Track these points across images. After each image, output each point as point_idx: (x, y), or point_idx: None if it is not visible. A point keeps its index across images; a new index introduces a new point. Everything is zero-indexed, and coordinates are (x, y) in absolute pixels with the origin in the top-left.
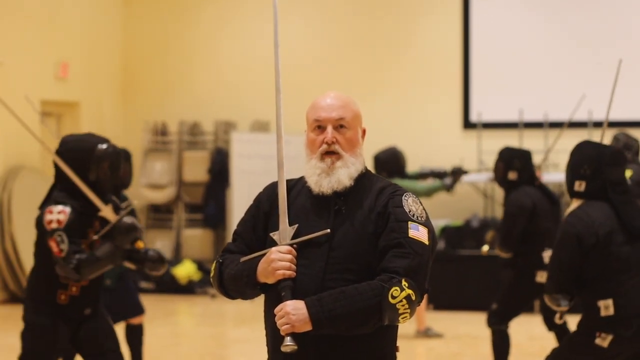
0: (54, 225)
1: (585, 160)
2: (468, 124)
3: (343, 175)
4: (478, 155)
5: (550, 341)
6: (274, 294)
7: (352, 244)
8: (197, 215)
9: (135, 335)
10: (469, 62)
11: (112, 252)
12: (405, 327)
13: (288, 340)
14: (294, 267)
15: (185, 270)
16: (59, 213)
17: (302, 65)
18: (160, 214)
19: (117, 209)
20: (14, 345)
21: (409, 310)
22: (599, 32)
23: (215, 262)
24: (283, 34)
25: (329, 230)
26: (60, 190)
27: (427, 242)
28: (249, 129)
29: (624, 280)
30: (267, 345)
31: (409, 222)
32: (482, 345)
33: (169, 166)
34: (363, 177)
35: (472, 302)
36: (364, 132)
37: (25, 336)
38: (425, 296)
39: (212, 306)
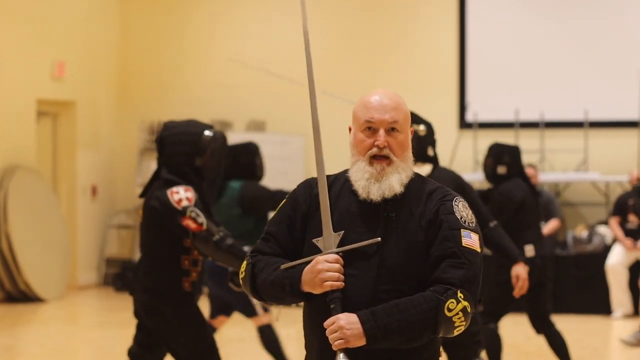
0: (185, 203)
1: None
2: (464, 124)
3: (394, 181)
4: (474, 155)
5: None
6: (318, 304)
7: (404, 254)
8: None
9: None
10: (465, 62)
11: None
12: None
13: (342, 357)
14: (342, 277)
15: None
16: (186, 191)
17: (298, 65)
18: None
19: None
20: (10, 344)
21: (464, 323)
22: (596, 32)
23: (245, 262)
24: (279, 34)
25: (379, 239)
26: (170, 173)
27: (479, 250)
28: (245, 128)
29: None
30: (310, 356)
31: (462, 230)
32: None
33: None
34: (413, 182)
35: None
36: (412, 133)
37: (183, 331)
38: None
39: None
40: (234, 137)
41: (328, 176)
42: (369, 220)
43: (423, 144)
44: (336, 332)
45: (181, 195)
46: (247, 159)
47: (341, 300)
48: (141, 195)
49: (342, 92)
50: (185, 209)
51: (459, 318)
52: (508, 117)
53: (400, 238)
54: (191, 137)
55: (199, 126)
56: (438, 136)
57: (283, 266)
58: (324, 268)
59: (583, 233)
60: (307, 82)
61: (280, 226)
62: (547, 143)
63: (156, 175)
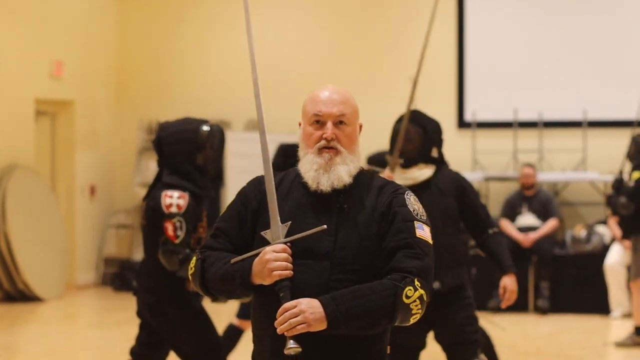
0: (174, 210)
1: (437, 129)
2: (462, 124)
3: (343, 172)
4: (472, 155)
5: (544, 340)
6: (267, 296)
7: (356, 245)
8: None
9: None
10: (464, 62)
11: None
12: None
13: (291, 343)
14: (290, 266)
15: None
16: (179, 198)
17: (295, 64)
18: None
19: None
20: (9, 344)
21: (420, 311)
22: (595, 32)
23: (194, 258)
24: (277, 33)
25: (325, 226)
26: (171, 174)
27: (431, 242)
28: (244, 128)
29: None
30: (260, 349)
31: (415, 222)
32: None
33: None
34: (361, 175)
35: None
36: (360, 127)
37: (186, 330)
38: None
39: (206, 305)
40: (232, 137)
41: (278, 173)
42: (321, 212)
43: (426, 145)
44: (297, 316)
45: (173, 200)
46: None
47: (290, 289)
48: (144, 199)
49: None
50: (172, 214)
51: (416, 305)
52: (506, 116)
53: (352, 229)
54: (189, 135)
55: (195, 122)
56: None
57: (233, 260)
58: (272, 258)
59: (582, 233)
60: (253, 85)
61: (230, 222)
62: (545, 143)
63: (158, 178)
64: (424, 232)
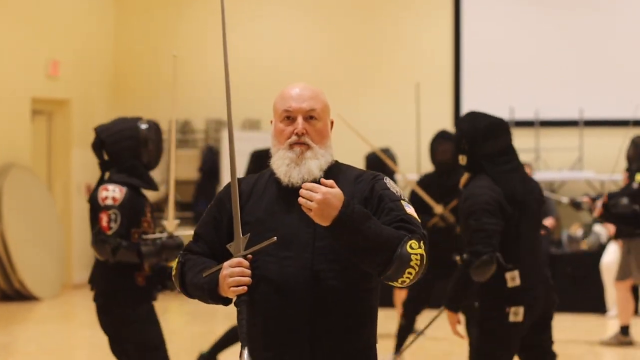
0: (109, 202)
1: (462, 134)
2: None
3: (313, 166)
4: None
5: None
6: (253, 293)
7: None
8: (187, 214)
9: None
10: (460, 60)
11: (154, 255)
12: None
13: (246, 357)
14: (245, 280)
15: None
16: (116, 191)
17: (290, 65)
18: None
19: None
20: (5, 343)
21: (417, 269)
22: (591, 31)
23: (177, 260)
24: (272, 35)
25: (275, 238)
26: (119, 172)
27: (419, 220)
28: (240, 127)
29: (520, 249)
30: (247, 347)
31: (402, 201)
32: None
33: (160, 164)
34: (333, 168)
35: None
36: (332, 123)
37: (135, 330)
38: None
39: (202, 305)
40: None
41: (252, 175)
42: (298, 205)
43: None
44: (317, 194)
45: (109, 193)
46: None
47: (247, 303)
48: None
49: (335, 90)
50: (107, 206)
51: (415, 259)
52: (503, 115)
53: None
54: (130, 132)
55: (131, 121)
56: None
57: (205, 274)
58: (227, 273)
59: (578, 232)
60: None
61: (207, 227)
62: (542, 142)
63: (99, 182)
64: (411, 210)
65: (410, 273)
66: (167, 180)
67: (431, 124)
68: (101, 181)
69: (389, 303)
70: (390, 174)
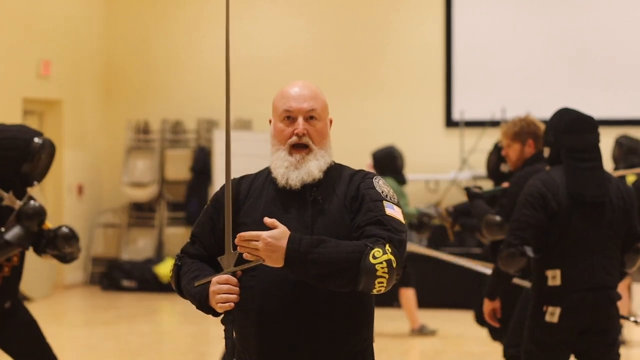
0: None
1: (549, 127)
2: (450, 122)
3: (313, 167)
4: (460, 154)
5: None
6: (248, 296)
7: (333, 235)
8: (179, 214)
9: None
10: (451, 60)
11: (21, 235)
12: (400, 327)
13: None
14: (232, 297)
15: (167, 269)
16: None
17: (283, 63)
18: (142, 212)
19: (21, 197)
20: None
21: (386, 276)
22: (582, 31)
23: (174, 263)
24: (265, 32)
25: (262, 260)
26: None
27: (403, 221)
28: (232, 127)
29: (575, 251)
30: (245, 347)
31: (384, 202)
32: (465, 343)
33: (151, 164)
34: (332, 169)
35: (455, 300)
36: (330, 122)
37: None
38: (415, 293)
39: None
40: (221, 136)
41: (249, 175)
42: (296, 205)
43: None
44: (258, 242)
45: None
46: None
47: (232, 322)
48: None
49: (327, 89)
50: None
51: (382, 268)
52: (495, 115)
53: (327, 220)
54: (20, 143)
55: (29, 132)
56: (423, 135)
57: (196, 283)
58: (215, 290)
59: None
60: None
61: (203, 228)
62: None
63: None
64: (394, 211)
65: (381, 282)
66: (160, 180)
67: (423, 123)
68: None
69: (388, 303)
70: (398, 170)
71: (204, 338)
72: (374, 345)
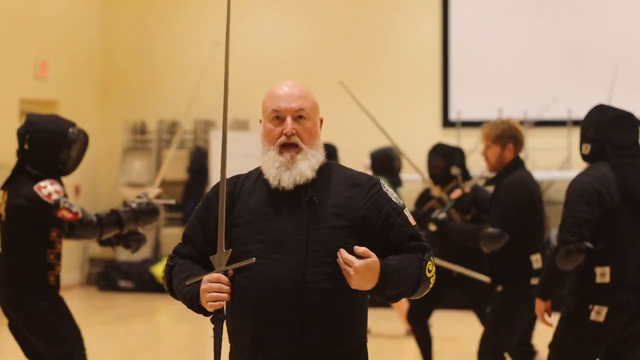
0: (55, 196)
1: (590, 123)
2: (447, 123)
3: (305, 167)
4: None
5: (548, 336)
6: (242, 295)
7: (329, 237)
8: (176, 214)
9: None
10: (448, 61)
11: (132, 221)
12: (396, 327)
13: None
14: (223, 296)
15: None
16: (52, 184)
17: (280, 64)
18: None
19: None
20: None
21: (432, 284)
22: (579, 31)
23: (165, 263)
24: (262, 32)
25: (254, 259)
26: (34, 168)
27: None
28: (229, 127)
29: (624, 248)
30: (239, 348)
31: (404, 211)
32: (463, 344)
33: (148, 165)
34: (326, 168)
35: (452, 301)
36: (321, 121)
37: (48, 321)
38: None
39: None
40: (218, 136)
41: (239, 175)
42: (291, 207)
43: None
44: (357, 273)
45: (49, 189)
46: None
47: (222, 321)
48: (2, 187)
49: (323, 89)
50: (57, 201)
51: (433, 278)
52: (491, 115)
53: (323, 221)
54: (57, 135)
55: (64, 123)
56: (420, 135)
57: (187, 282)
58: (206, 288)
59: None
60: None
61: (194, 229)
62: (530, 142)
63: (18, 169)
64: (410, 215)
65: (428, 289)
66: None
67: (420, 123)
68: (17, 173)
69: (385, 303)
70: (395, 172)
71: (201, 338)
72: (370, 345)
